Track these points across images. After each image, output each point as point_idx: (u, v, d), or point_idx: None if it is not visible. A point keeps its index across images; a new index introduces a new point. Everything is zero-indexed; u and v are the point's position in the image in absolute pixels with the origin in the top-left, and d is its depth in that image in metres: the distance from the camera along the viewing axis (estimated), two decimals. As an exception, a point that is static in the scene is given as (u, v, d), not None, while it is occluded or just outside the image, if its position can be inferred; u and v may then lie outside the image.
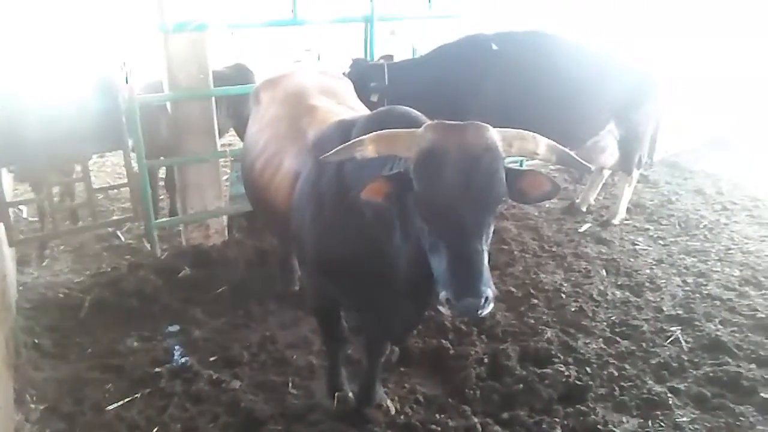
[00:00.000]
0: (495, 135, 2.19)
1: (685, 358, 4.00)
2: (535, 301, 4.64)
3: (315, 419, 3.44)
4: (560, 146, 2.32)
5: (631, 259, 5.42)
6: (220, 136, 5.65)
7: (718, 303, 4.69)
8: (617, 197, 6.20)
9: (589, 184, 6.55)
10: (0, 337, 3.35)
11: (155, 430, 3.37)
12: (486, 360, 3.90)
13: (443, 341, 4.06)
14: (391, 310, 2.89)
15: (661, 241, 5.83)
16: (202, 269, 4.99)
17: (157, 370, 3.80)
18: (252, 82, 5.83)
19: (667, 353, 4.04)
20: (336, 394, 3.54)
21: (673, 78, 7.34)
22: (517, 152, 2.29)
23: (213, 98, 5.19)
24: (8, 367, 3.42)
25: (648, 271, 5.20)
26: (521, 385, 3.65)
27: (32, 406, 3.46)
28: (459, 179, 2.09)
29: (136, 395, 3.61)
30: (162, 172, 6.28)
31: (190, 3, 4.77)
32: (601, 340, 4.21)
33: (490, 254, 2.21)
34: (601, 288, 4.89)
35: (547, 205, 6.57)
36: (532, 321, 4.37)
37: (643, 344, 4.16)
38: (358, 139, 2.26)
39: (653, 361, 3.97)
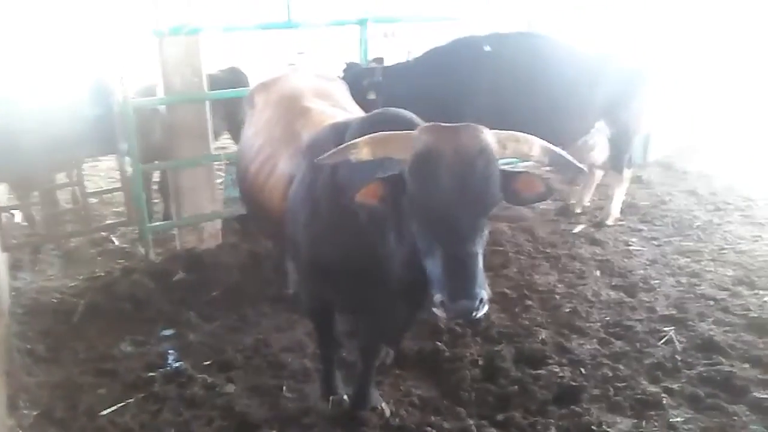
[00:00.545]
0: (490, 137, 2.19)
1: (679, 358, 4.00)
2: (530, 302, 4.64)
3: (309, 422, 3.43)
4: (554, 148, 2.31)
5: (625, 260, 5.43)
6: (214, 140, 5.65)
7: (711, 303, 4.69)
8: (611, 198, 6.22)
9: (582, 186, 6.58)
10: (-7, 343, 3.34)
11: (149, 434, 3.35)
12: (481, 362, 3.89)
13: (438, 343, 4.06)
14: (385, 312, 2.89)
15: (654, 242, 5.84)
16: (196, 273, 4.98)
17: (150, 374, 3.79)
18: (246, 85, 5.84)
19: (661, 353, 4.04)
20: (331, 397, 3.53)
21: (667, 78, 7.39)
22: (512, 154, 2.29)
23: (207, 102, 5.19)
24: (1, 373, 3.40)
25: (642, 271, 5.22)
26: (516, 387, 3.64)
27: (25, 411, 3.44)
28: (454, 182, 2.09)
29: (130, 400, 3.60)
30: (156, 176, 6.28)
31: (184, 7, 4.77)
32: (595, 340, 4.22)
33: (484, 256, 2.21)
34: (595, 289, 4.90)
35: (541, 207, 6.58)
36: (527, 322, 4.38)
37: (637, 345, 4.16)
38: (352, 141, 2.26)
39: (647, 362, 3.97)
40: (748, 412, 3.48)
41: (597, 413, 3.46)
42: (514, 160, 5.94)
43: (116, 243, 5.76)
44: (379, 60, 5.40)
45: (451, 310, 2.08)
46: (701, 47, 7.94)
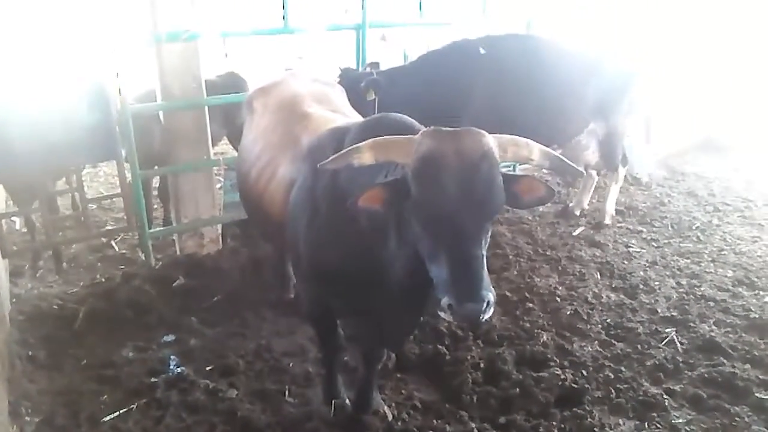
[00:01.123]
0: (491, 141, 2.20)
1: (680, 360, 4.01)
2: (531, 305, 4.65)
3: (312, 427, 3.43)
4: (553, 151, 2.34)
5: (625, 262, 5.44)
6: (213, 145, 5.65)
7: (711, 304, 4.71)
8: (606, 197, 6.25)
9: (581, 188, 6.59)
10: (-6, 350, 3.34)
11: (152, 440, 3.35)
12: (482, 365, 3.90)
13: (439, 346, 4.06)
14: (386, 316, 2.89)
15: (654, 243, 5.85)
16: (197, 278, 4.97)
17: (152, 380, 3.78)
18: (245, 90, 5.84)
19: (662, 355, 4.05)
20: (333, 402, 3.53)
21: (663, 80, 7.41)
22: (512, 158, 2.32)
23: (206, 107, 5.19)
24: (2, 380, 3.40)
25: (642, 273, 5.23)
26: (518, 390, 3.65)
27: (27, 418, 3.43)
28: (458, 186, 2.09)
29: (132, 406, 3.59)
30: (156, 182, 6.28)
31: (182, 12, 4.78)
32: (596, 342, 4.22)
33: (486, 258, 2.22)
34: (596, 291, 4.90)
35: (540, 209, 6.60)
36: (528, 325, 4.38)
37: (638, 346, 4.17)
38: (354, 146, 2.25)
39: (648, 363, 3.98)
40: (750, 413, 3.50)
41: (599, 415, 3.47)
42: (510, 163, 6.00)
43: (116, 249, 5.75)
44: (375, 65, 5.40)
45: (458, 314, 2.08)
46: (701, 48, 7.96)
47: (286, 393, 3.71)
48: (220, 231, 5.62)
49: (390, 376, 3.87)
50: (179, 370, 3.91)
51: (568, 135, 5.65)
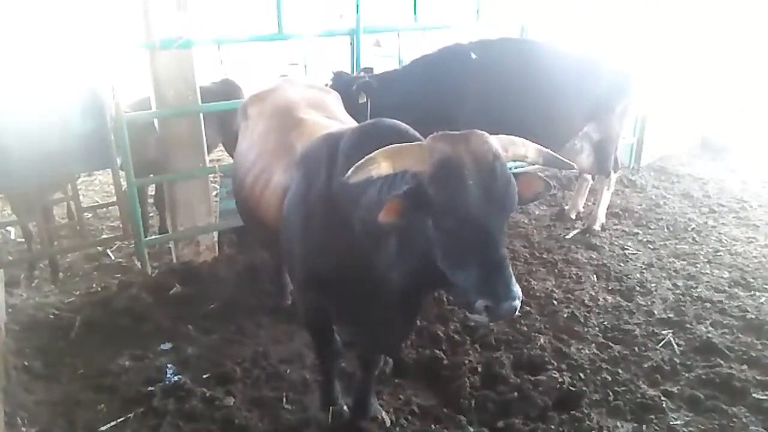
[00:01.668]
0: (495, 141, 2.25)
1: (678, 361, 4.02)
2: (528, 308, 4.65)
3: (310, 434, 3.43)
4: (544, 148, 2.44)
5: (621, 264, 5.45)
6: (208, 152, 5.65)
7: (708, 305, 4.72)
8: (598, 202, 6.24)
9: (576, 191, 6.60)
10: (-10, 360, 3.32)
11: (149, 449, 3.35)
12: (480, 369, 3.90)
13: (437, 351, 4.06)
14: (382, 321, 2.89)
15: (650, 245, 5.87)
16: (193, 286, 4.96)
17: (149, 389, 3.77)
18: (240, 97, 5.84)
19: (660, 357, 4.06)
20: (331, 408, 3.52)
21: (658, 82, 7.44)
22: (512, 157, 2.35)
23: (201, 114, 5.19)
24: (-1, 391, 3.39)
25: (638, 275, 5.23)
26: (516, 393, 3.65)
27: (24, 429, 3.42)
28: (480, 187, 2.12)
29: (129, 415, 3.58)
30: (151, 190, 6.27)
31: (176, 19, 4.78)
32: (593, 345, 4.23)
33: None
34: (593, 293, 4.91)
35: (536, 212, 6.61)
36: (525, 328, 4.38)
37: (636, 348, 4.18)
38: (369, 157, 2.20)
39: (646, 365, 3.99)
40: (747, 414, 3.51)
41: (597, 418, 3.47)
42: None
43: (112, 257, 5.74)
44: (369, 70, 5.40)
45: (497, 314, 2.13)
46: (696, 49, 7.99)
47: (284, 400, 3.70)
48: (216, 238, 5.61)
49: (387, 381, 3.87)
50: (176, 378, 3.90)
51: (562, 138, 5.64)
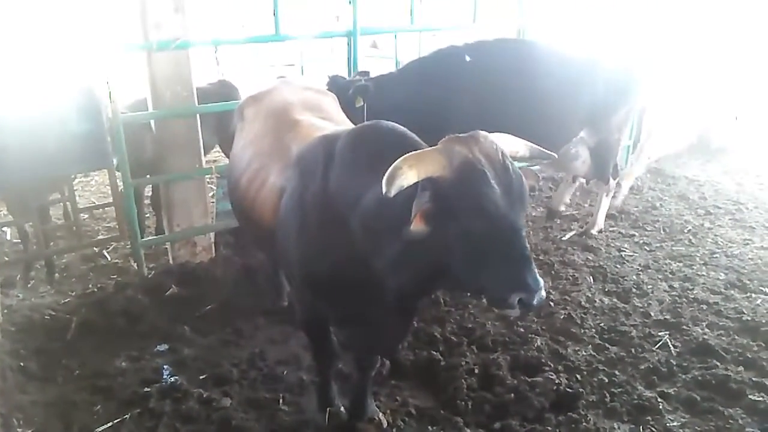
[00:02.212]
0: (498, 140, 2.31)
1: (674, 363, 4.03)
2: (524, 309, 4.64)
3: (307, 435, 3.43)
4: (529, 143, 2.54)
5: (618, 266, 5.46)
6: (205, 153, 5.65)
7: (704, 307, 4.73)
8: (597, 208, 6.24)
9: (563, 185, 6.57)
10: (-15, 362, 3.31)
11: (145, 451, 3.34)
12: (477, 370, 3.90)
13: (434, 353, 4.06)
14: (380, 322, 2.89)
15: (646, 247, 5.88)
16: (190, 287, 4.96)
17: (146, 390, 3.76)
18: (237, 98, 5.84)
19: (656, 358, 4.07)
20: (328, 410, 3.52)
21: (654, 85, 7.44)
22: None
23: (197, 115, 5.19)
24: (-6, 392, 3.38)
25: (635, 277, 5.24)
26: (512, 395, 3.65)
27: (19, 430, 3.40)
28: (502, 186, 2.18)
29: (126, 416, 3.57)
30: (149, 190, 6.26)
31: (173, 20, 4.77)
32: (590, 347, 4.23)
33: None
34: (589, 295, 4.91)
35: (533, 214, 6.62)
36: (522, 330, 4.38)
37: (632, 350, 4.18)
38: (395, 166, 2.15)
39: (642, 367, 3.99)
40: (743, 415, 3.51)
41: (594, 419, 3.47)
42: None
43: (108, 258, 5.73)
44: (365, 73, 5.39)
45: (532, 306, 2.19)
46: (692, 51, 8.01)
47: (281, 401, 3.70)
48: (212, 239, 5.60)
49: (384, 382, 3.86)
50: (173, 379, 3.89)
51: (556, 142, 5.56)
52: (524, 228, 2.24)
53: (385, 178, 2.13)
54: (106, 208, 6.34)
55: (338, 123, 3.61)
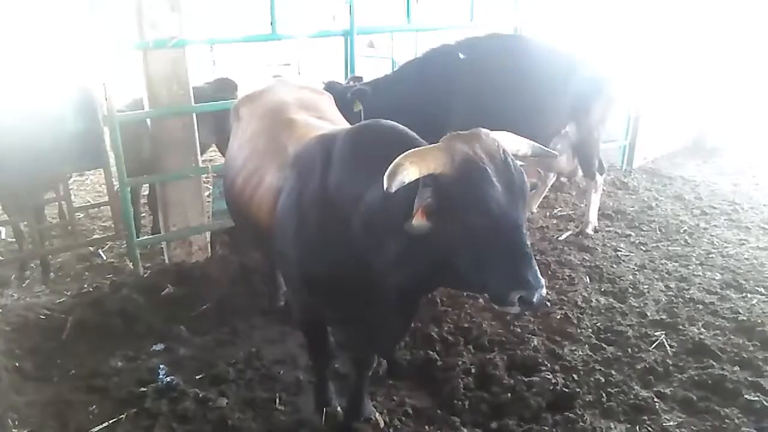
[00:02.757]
0: (498, 138, 2.31)
1: (670, 363, 4.03)
2: (521, 309, 4.64)
3: (303, 435, 3.42)
4: (530, 141, 2.55)
5: (614, 266, 5.47)
6: (202, 152, 5.63)
7: (700, 307, 4.74)
8: (588, 206, 6.25)
9: (535, 191, 6.63)
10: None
11: (141, 451, 3.33)
12: (474, 370, 3.90)
13: (431, 353, 4.06)
14: (377, 323, 2.88)
15: (642, 247, 5.89)
16: (186, 287, 4.94)
17: (142, 389, 3.75)
18: (235, 96, 5.82)
19: (653, 358, 4.07)
20: (324, 410, 3.52)
21: (651, 83, 7.47)
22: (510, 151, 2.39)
23: (194, 114, 5.17)
24: (-11, 392, 3.36)
25: (631, 276, 5.25)
26: (509, 395, 3.65)
27: (15, 430, 3.39)
28: (504, 183, 2.18)
29: (122, 416, 3.56)
30: (145, 190, 6.24)
31: (169, 19, 4.76)
32: (587, 346, 4.24)
33: None
34: (586, 295, 4.92)
35: (529, 215, 6.62)
36: (519, 330, 4.39)
37: (629, 350, 4.19)
38: (396, 163, 2.16)
39: (639, 367, 4.00)
40: (740, 415, 3.52)
41: (590, 419, 3.48)
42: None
43: (104, 258, 5.71)
44: (358, 78, 5.39)
45: (533, 303, 2.19)
46: (688, 51, 8.04)
47: (277, 401, 3.69)
48: (208, 239, 5.59)
49: (381, 382, 3.86)
50: (169, 379, 3.87)
51: (545, 135, 5.61)
52: (524, 225, 2.24)
53: (386, 173, 2.13)
54: (101, 208, 6.32)
55: (334, 122, 3.60)
